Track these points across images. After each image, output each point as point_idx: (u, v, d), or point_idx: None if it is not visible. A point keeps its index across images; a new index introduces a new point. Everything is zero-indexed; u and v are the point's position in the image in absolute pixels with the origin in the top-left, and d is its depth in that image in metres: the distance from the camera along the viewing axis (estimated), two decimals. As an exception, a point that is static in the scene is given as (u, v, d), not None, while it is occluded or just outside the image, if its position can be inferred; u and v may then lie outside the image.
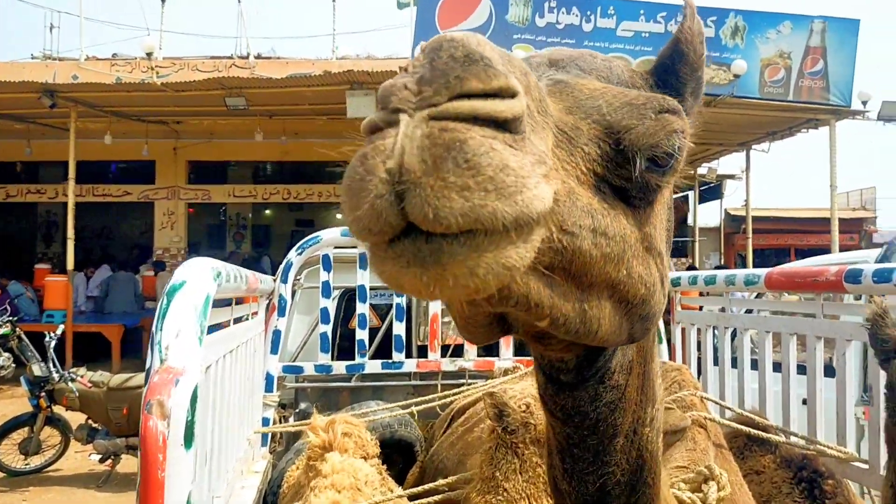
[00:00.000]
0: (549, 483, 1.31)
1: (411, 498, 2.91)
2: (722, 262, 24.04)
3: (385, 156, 0.68)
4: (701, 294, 4.32)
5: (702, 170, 22.46)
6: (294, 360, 4.65)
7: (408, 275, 0.70)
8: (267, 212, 24.74)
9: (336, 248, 4.24)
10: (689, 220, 24.66)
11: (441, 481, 2.83)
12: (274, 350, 4.12)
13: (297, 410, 4.49)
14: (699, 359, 4.09)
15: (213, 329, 2.58)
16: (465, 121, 0.69)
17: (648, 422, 1.21)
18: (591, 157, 0.92)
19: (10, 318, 12.92)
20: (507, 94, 0.72)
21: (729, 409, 3.18)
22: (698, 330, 4.05)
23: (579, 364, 1.08)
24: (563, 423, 1.16)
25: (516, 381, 3.26)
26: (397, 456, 4.13)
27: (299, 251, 4.20)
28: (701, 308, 4.19)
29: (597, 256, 0.88)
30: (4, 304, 13.78)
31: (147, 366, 1.58)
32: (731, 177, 22.99)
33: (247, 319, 3.53)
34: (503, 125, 0.71)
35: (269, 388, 4.11)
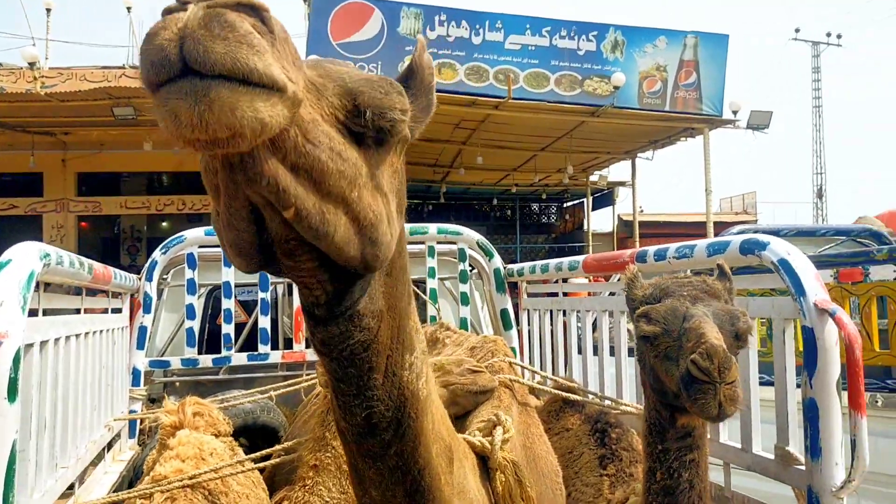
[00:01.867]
0: (336, 427, 1.54)
1: (257, 462, 3.13)
2: (615, 266, 25.00)
3: (175, 21, 0.95)
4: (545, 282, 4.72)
5: (593, 177, 23.45)
6: (162, 356, 4.80)
7: (184, 106, 0.93)
8: (164, 224, 24.32)
9: (201, 247, 4.43)
10: (584, 226, 25.65)
11: (280, 446, 3.07)
12: (140, 345, 4.29)
13: (178, 400, 4.64)
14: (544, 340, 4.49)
15: (59, 312, 2.78)
16: (229, 8, 0.97)
17: (407, 367, 1.48)
18: (335, 105, 1.20)
19: None
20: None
21: (538, 373, 3.58)
22: (539, 314, 4.45)
23: (329, 301, 1.32)
24: (327, 357, 1.40)
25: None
26: (262, 442, 4.35)
27: (164, 250, 4.39)
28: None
29: (333, 169, 1.14)
30: None
31: (-33, 329, 1.80)
32: (622, 184, 24.04)
33: (107, 313, 3.71)
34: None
35: (135, 382, 4.28)
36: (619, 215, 26.55)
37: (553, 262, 4.24)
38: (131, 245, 23.62)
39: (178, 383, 4.77)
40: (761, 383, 2.74)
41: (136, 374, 4.27)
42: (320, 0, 14.92)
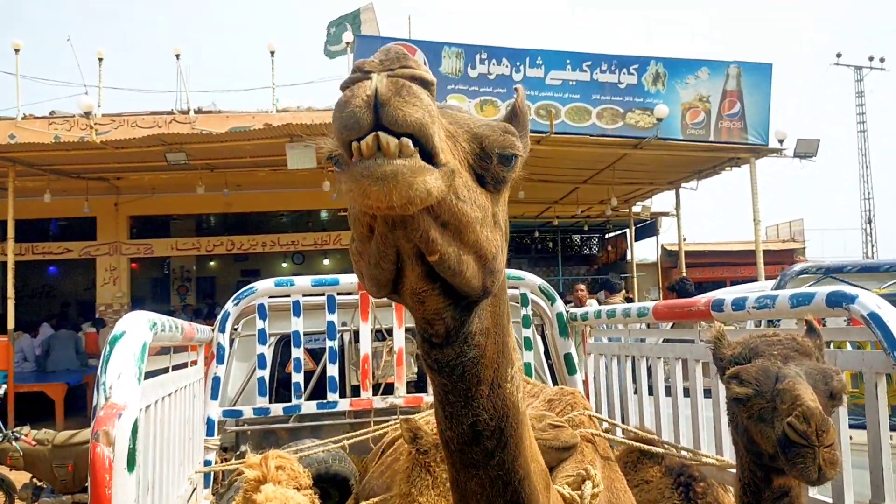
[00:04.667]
0: (438, 436, 1.64)
1: None
2: (661, 296, 24.75)
3: (364, 89, 1.13)
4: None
5: (636, 208, 23.32)
6: (234, 405, 4.89)
7: (374, 186, 1.11)
8: (211, 263, 24.76)
9: (270, 297, 4.54)
10: (628, 257, 25.45)
11: (375, 499, 3.12)
12: (214, 395, 4.39)
13: (237, 452, 4.73)
14: (609, 385, 4.48)
15: (151, 374, 2.88)
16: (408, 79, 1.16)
17: (509, 379, 1.58)
18: (465, 150, 1.37)
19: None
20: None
21: (617, 425, 3.57)
22: (606, 359, 4.46)
23: (447, 331, 1.43)
24: (438, 373, 1.50)
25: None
26: (334, 491, 4.40)
27: (235, 302, 4.50)
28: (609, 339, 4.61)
29: (472, 218, 1.30)
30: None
31: (94, 404, 1.88)
32: (666, 214, 23.85)
33: (186, 367, 3.81)
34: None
35: (209, 432, 4.37)
36: (662, 245, 26.30)
37: (620, 307, 4.25)
38: (181, 285, 24.07)
39: (249, 432, 4.85)
40: (853, 426, 2.71)
41: (209, 423, 4.37)
42: (364, 43, 15.23)
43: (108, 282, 20.12)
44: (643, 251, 29.61)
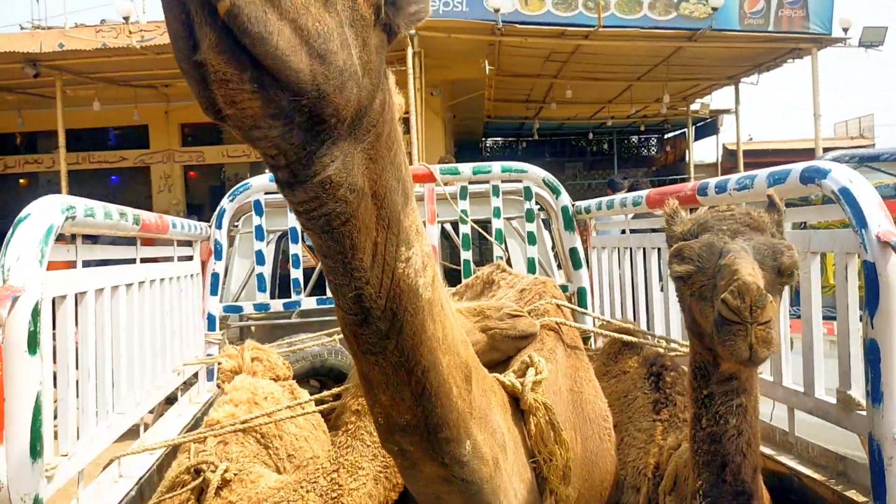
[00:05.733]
0: (339, 322, 1.53)
1: (317, 404, 3.18)
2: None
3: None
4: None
5: (695, 106, 22.46)
6: (237, 300, 4.92)
7: None
8: (266, 170, 24.98)
9: (267, 193, 4.48)
10: (687, 157, 24.69)
11: (329, 392, 3.10)
12: (213, 291, 4.41)
13: (241, 345, 4.79)
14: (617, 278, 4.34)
15: (106, 263, 2.86)
16: None
17: (403, 259, 1.46)
18: None
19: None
20: None
21: (586, 314, 3.45)
22: (608, 252, 4.30)
23: (289, 163, 1.25)
24: (307, 228, 1.39)
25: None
26: (331, 383, 4.43)
27: (231, 198, 4.46)
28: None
29: None
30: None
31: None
32: (727, 111, 22.92)
33: (174, 261, 3.81)
34: None
35: (211, 327, 4.42)
36: (723, 145, 25.39)
37: (618, 197, 4.06)
38: (235, 192, 24.44)
39: (253, 328, 4.90)
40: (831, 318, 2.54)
41: (210, 319, 4.40)
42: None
43: (163, 189, 20.55)
44: (703, 151, 28.74)
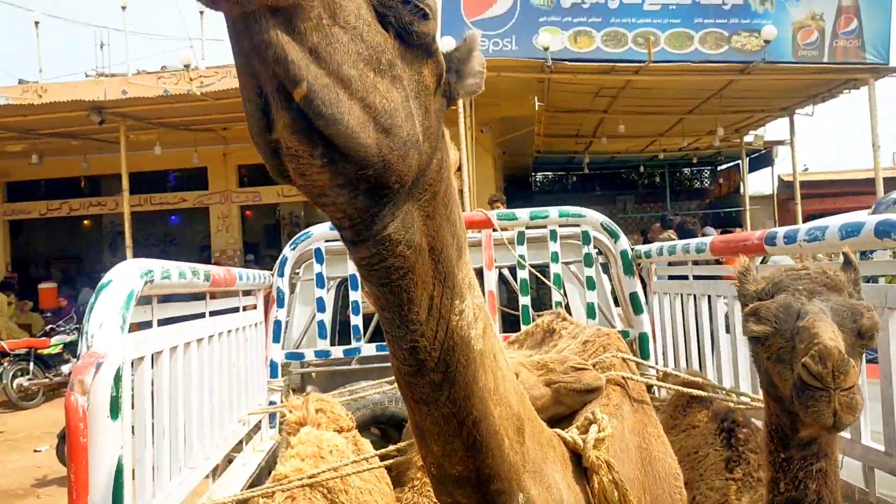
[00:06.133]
0: (393, 372, 1.56)
1: (382, 459, 3.19)
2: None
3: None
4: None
5: (748, 138, 22.15)
6: (298, 347, 4.98)
7: None
8: (319, 210, 25.34)
9: (327, 241, 4.54)
10: (741, 189, 24.30)
11: (393, 447, 3.10)
12: (275, 339, 4.48)
13: (304, 394, 4.82)
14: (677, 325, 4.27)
15: (180, 320, 2.93)
16: None
17: (457, 312, 1.49)
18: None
19: (78, 326, 13.80)
20: None
21: (651, 367, 3.39)
22: (670, 298, 4.24)
23: (353, 224, 1.30)
24: (367, 280, 1.42)
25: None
26: (392, 431, 4.44)
27: (292, 247, 4.54)
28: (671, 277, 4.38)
29: (350, 50, 1.10)
30: (71, 312, 14.65)
31: (78, 352, 1.92)
32: (781, 143, 22.55)
33: (240, 312, 3.89)
34: None
35: (273, 374, 4.48)
36: (779, 176, 24.95)
37: (680, 243, 4.02)
38: (291, 231, 24.79)
39: (314, 374, 4.94)
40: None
41: (273, 366, 4.47)
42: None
43: (221, 229, 21.01)
44: (758, 183, 28.27)
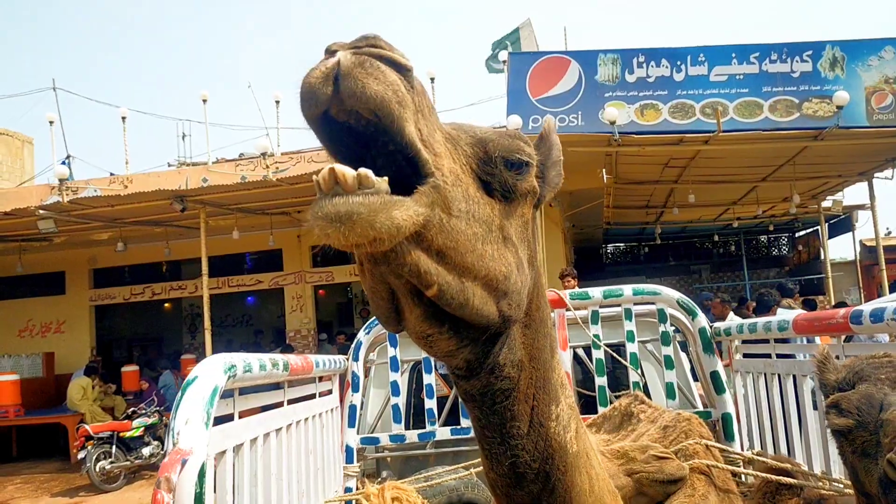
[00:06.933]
0: (486, 479, 1.56)
1: None
2: (861, 297, 22.68)
3: (325, 62, 1.07)
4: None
5: (826, 203, 21.57)
6: (373, 432, 4.98)
7: (331, 229, 1.05)
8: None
9: (401, 324, 4.58)
10: (822, 255, 23.55)
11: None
12: (351, 423, 4.50)
13: (379, 479, 4.80)
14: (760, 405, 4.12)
15: (263, 408, 2.98)
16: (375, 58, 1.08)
17: (553, 418, 1.48)
18: (468, 154, 1.28)
19: (158, 409, 14.10)
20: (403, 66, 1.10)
21: (736, 454, 3.25)
22: (753, 377, 4.10)
23: (468, 365, 1.36)
24: (469, 403, 1.45)
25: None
26: (469, 518, 4.35)
27: (366, 331, 4.59)
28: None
29: (470, 236, 1.19)
30: (152, 395, 15.01)
31: (164, 448, 1.97)
32: (861, 207, 21.86)
33: (316, 398, 3.93)
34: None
35: (349, 460, 4.48)
36: (860, 241, 24.13)
37: (762, 321, 3.91)
38: (363, 309, 25.11)
39: (389, 459, 4.92)
40: None
41: (349, 451, 4.47)
42: (518, 60, 15.24)
43: (295, 309, 21.39)
44: (839, 248, 27.38)
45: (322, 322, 22.65)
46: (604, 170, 15.30)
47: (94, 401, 16.07)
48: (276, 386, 3.26)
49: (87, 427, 13.15)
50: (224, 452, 2.35)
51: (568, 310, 4.55)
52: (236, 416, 2.56)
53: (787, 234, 29.00)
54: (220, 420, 2.53)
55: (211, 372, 2.17)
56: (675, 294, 4.56)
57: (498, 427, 1.43)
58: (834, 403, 1.86)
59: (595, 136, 14.04)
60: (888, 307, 2.66)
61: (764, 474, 3.00)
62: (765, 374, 3.93)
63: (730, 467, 2.78)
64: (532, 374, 1.45)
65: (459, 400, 4.54)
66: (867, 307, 2.80)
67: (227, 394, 2.51)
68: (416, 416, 5.22)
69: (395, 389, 4.57)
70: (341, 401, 4.50)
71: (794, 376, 3.58)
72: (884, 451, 1.65)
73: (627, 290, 4.61)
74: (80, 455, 12.85)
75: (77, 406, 15.73)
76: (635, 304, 4.60)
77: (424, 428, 4.63)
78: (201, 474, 1.95)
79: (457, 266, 1.17)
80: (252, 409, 2.84)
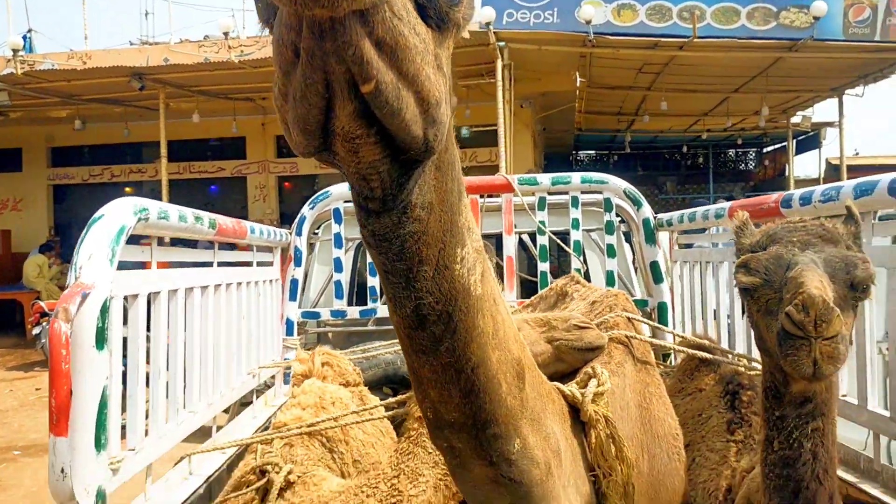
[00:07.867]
0: (391, 321, 1.54)
1: (387, 409, 3.20)
2: (821, 215, 23.02)
3: None
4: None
5: (795, 118, 21.61)
6: (315, 307, 5.00)
7: None
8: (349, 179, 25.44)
9: (346, 201, 4.54)
10: (787, 172, 23.77)
11: (394, 399, 3.10)
12: (292, 297, 4.50)
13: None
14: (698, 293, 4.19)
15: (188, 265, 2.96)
16: None
17: (458, 260, 1.46)
18: None
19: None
20: None
21: (658, 328, 3.32)
22: (689, 266, 4.16)
23: (384, 195, 1.31)
24: (376, 249, 1.39)
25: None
26: (405, 391, 4.43)
27: (311, 206, 4.55)
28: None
29: (412, 45, 1.15)
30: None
31: (66, 283, 1.94)
32: (830, 124, 21.95)
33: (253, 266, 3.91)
34: None
35: (289, 332, 4.50)
36: (826, 159, 24.33)
37: (700, 209, 3.93)
38: (327, 201, 25.04)
39: (330, 334, 4.96)
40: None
41: (289, 324, 4.49)
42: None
43: (258, 199, 21.22)
44: (805, 166, 27.61)
45: (286, 214, 22.50)
46: (577, 72, 15.09)
47: (50, 279, 15.99)
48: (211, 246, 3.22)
49: (42, 304, 13.11)
50: (136, 297, 2.33)
51: (516, 195, 4.53)
52: (154, 265, 2.52)
53: (755, 149, 29.14)
54: (138, 267, 2.50)
55: (118, 211, 2.12)
56: (622, 183, 4.56)
57: (404, 273, 1.39)
58: (744, 263, 1.87)
59: (570, 34, 13.74)
60: (816, 190, 2.68)
61: (684, 349, 3.07)
62: (700, 263, 3.99)
63: (647, 339, 2.83)
64: (441, 216, 1.41)
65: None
66: (797, 192, 2.82)
67: (142, 239, 2.47)
68: (359, 294, 5.25)
69: (338, 266, 4.57)
70: (283, 275, 4.48)
71: (728, 263, 3.63)
72: (783, 306, 1.67)
73: (576, 177, 4.60)
74: (35, 331, 12.86)
75: (33, 283, 15.66)
76: (583, 192, 4.59)
77: (366, 305, 4.65)
78: (104, 310, 1.93)
79: (397, 68, 1.14)
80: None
